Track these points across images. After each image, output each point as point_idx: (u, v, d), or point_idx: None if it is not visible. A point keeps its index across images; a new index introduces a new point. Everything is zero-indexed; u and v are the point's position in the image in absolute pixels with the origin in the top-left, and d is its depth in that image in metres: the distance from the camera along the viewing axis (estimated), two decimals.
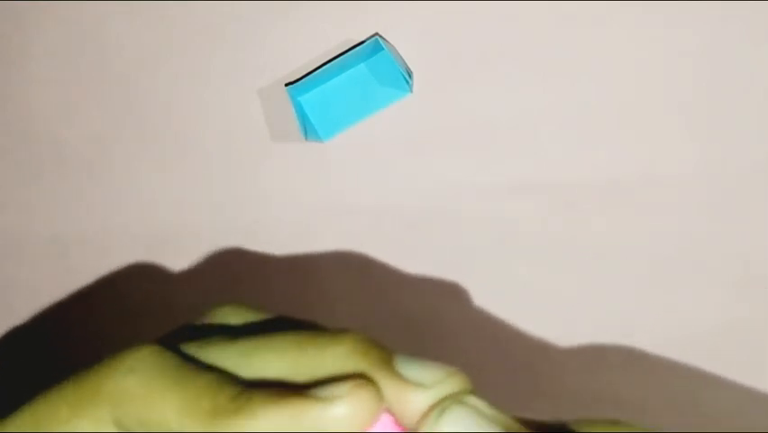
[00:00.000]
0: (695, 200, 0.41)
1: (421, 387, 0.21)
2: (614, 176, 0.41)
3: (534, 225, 0.41)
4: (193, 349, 0.22)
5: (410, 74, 0.40)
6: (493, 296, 0.42)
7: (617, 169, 0.41)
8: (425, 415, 0.21)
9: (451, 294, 0.42)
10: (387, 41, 0.40)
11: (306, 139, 0.40)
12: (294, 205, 0.42)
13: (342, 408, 0.21)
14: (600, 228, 0.41)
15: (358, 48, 0.40)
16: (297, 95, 0.39)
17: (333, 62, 0.40)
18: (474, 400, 0.21)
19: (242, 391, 0.21)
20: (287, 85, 0.40)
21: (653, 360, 0.42)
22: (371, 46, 0.39)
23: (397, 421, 0.22)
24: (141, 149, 0.42)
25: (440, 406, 0.21)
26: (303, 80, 0.40)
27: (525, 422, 0.21)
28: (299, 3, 0.40)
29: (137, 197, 0.42)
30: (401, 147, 0.41)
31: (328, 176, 0.41)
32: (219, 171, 0.42)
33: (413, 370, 0.22)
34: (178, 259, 0.43)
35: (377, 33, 0.40)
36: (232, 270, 0.43)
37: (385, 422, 0.22)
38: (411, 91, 0.40)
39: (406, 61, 0.40)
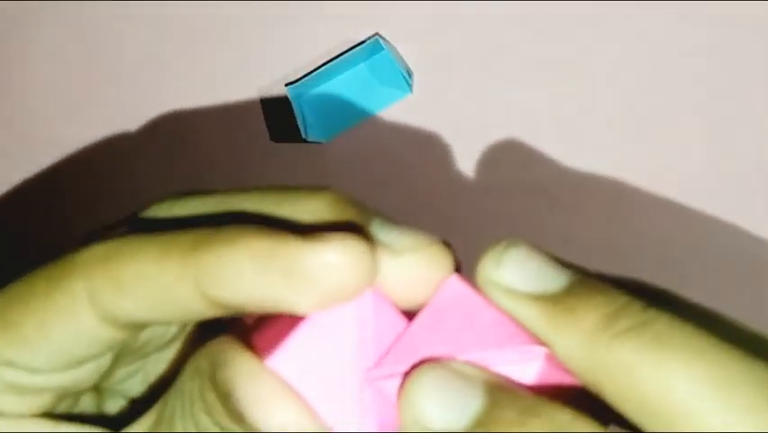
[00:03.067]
0: (698, 200, 0.41)
1: (393, 252, 0.19)
2: (614, 176, 0.41)
3: (534, 225, 0.41)
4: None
5: (410, 74, 0.40)
6: None
7: (617, 168, 0.41)
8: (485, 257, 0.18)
9: None
10: (387, 41, 0.40)
11: (306, 139, 0.40)
12: None
13: (334, 254, 0.17)
14: (601, 228, 0.41)
15: (358, 48, 0.40)
16: (296, 95, 0.39)
17: (333, 62, 0.40)
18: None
19: (220, 227, 0.18)
20: (287, 85, 0.40)
21: None
22: (371, 46, 0.39)
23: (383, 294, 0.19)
24: (141, 149, 0.42)
25: (499, 246, 0.18)
26: (303, 80, 0.40)
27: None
28: (299, 3, 0.40)
29: (137, 197, 0.42)
30: (401, 147, 0.41)
31: (328, 176, 0.41)
32: (219, 171, 0.42)
33: (389, 234, 0.19)
34: None
35: (377, 33, 0.40)
36: None
37: (371, 297, 0.19)
38: (411, 91, 0.40)
39: (407, 61, 0.40)
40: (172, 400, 0.20)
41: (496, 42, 0.40)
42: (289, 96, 0.40)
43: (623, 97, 0.40)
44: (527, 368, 0.18)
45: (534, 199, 0.41)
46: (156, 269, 0.18)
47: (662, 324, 0.16)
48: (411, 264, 0.19)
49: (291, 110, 0.40)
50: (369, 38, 0.40)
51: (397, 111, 0.40)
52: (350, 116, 0.40)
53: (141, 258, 0.19)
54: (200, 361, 0.19)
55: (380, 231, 0.19)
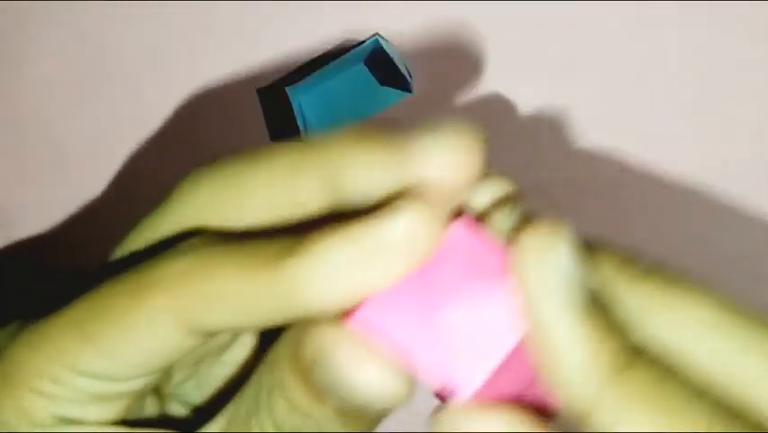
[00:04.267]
0: (699, 200, 0.41)
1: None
2: (614, 176, 0.41)
3: None
4: None
5: (410, 74, 0.40)
6: None
7: (617, 168, 0.41)
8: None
9: None
10: (387, 41, 0.40)
11: None
12: None
13: (405, 220, 0.18)
14: (602, 228, 0.41)
15: (358, 48, 0.40)
16: (296, 95, 0.39)
17: (333, 62, 0.40)
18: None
19: (296, 237, 0.19)
20: (287, 85, 0.40)
21: None
22: (371, 46, 0.39)
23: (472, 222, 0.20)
24: (141, 149, 0.42)
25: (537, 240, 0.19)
26: (303, 80, 0.40)
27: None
28: (299, 3, 0.40)
29: (137, 197, 0.42)
30: None
31: None
32: None
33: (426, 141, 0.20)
34: None
35: (377, 33, 0.40)
36: None
37: (461, 229, 0.20)
38: (411, 91, 0.40)
39: (406, 61, 0.40)
40: (247, 399, 0.20)
41: (496, 42, 0.40)
42: (289, 96, 0.40)
43: (623, 97, 0.40)
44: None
45: (534, 199, 0.41)
46: (244, 282, 0.19)
47: (665, 273, 0.19)
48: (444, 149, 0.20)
49: (291, 110, 0.40)
50: (369, 38, 0.40)
51: (398, 111, 0.40)
52: (350, 116, 0.40)
53: (225, 274, 0.19)
54: (279, 348, 0.20)
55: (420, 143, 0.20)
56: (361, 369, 0.18)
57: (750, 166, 0.40)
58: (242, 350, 0.24)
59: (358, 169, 0.20)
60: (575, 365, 0.18)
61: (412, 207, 0.19)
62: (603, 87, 0.40)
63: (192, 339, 0.20)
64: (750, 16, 0.40)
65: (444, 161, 0.20)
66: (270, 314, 0.19)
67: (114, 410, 0.21)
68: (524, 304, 0.19)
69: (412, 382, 0.19)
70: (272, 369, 0.20)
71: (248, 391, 0.20)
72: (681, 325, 0.18)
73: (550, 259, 0.19)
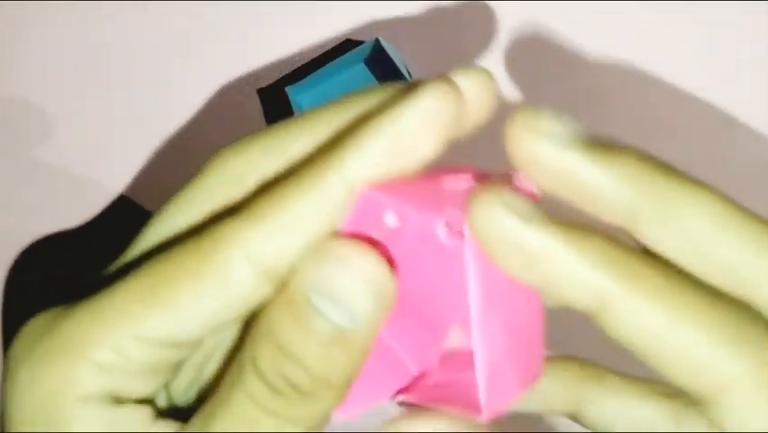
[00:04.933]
0: None
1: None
2: None
3: None
4: None
5: (410, 74, 0.40)
6: None
7: None
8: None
9: None
10: (387, 41, 0.40)
11: None
12: None
13: (428, 98, 0.20)
14: (602, 228, 0.41)
15: (358, 48, 0.40)
16: (296, 95, 0.39)
17: (333, 62, 0.40)
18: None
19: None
20: (287, 85, 0.40)
21: None
22: (371, 46, 0.39)
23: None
24: (141, 149, 0.42)
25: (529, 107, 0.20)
26: (303, 80, 0.40)
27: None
28: (299, 3, 0.40)
29: (137, 197, 0.42)
30: None
31: None
32: None
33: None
34: None
35: (377, 34, 0.40)
36: None
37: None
38: None
39: (406, 61, 0.40)
40: (231, 373, 0.20)
41: (496, 42, 0.40)
42: (289, 96, 0.40)
43: (622, 97, 0.40)
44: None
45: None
46: (305, 188, 0.19)
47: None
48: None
49: (291, 110, 0.40)
50: (369, 38, 0.40)
51: None
52: None
53: (290, 192, 0.19)
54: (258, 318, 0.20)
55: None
56: (349, 276, 0.19)
57: (751, 166, 0.40)
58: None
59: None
60: (609, 180, 0.19)
61: (434, 84, 0.20)
62: (603, 87, 0.40)
63: (264, 283, 0.20)
64: (750, 16, 0.40)
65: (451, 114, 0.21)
66: (336, 210, 0.19)
67: (155, 385, 0.21)
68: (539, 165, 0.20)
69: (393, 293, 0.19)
70: (256, 327, 0.20)
71: (231, 369, 0.21)
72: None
73: (547, 125, 0.20)
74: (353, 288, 0.19)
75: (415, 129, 0.20)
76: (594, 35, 0.40)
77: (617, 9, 0.40)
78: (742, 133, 0.40)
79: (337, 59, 0.40)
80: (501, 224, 0.19)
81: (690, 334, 0.18)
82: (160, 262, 0.21)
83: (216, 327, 0.21)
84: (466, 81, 0.21)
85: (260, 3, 0.41)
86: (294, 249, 0.20)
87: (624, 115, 0.41)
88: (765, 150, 0.40)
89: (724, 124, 0.40)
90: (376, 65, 0.39)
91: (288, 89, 0.40)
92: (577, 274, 0.19)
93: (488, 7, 0.40)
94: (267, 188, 0.20)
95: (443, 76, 0.20)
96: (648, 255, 0.19)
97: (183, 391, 0.24)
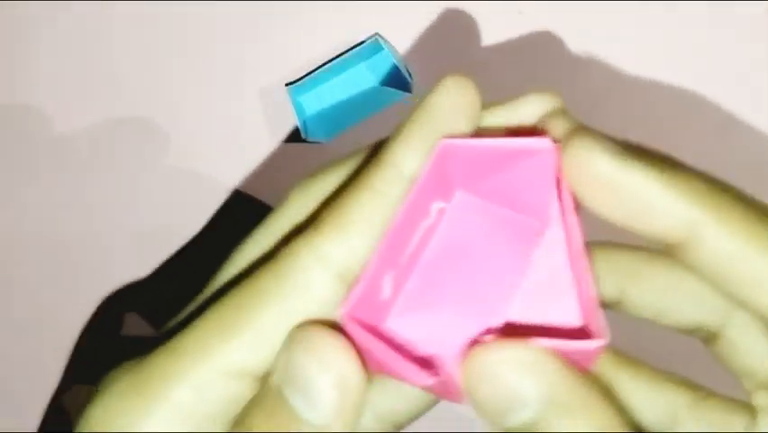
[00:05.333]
0: None
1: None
2: None
3: None
4: None
5: (410, 74, 0.40)
6: None
7: None
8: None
9: None
10: (387, 41, 0.40)
11: (306, 139, 0.40)
12: None
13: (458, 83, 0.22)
14: (603, 228, 0.41)
15: (358, 48, 0.40)
16: (296, 95, 0.39)
17: (333, 62, 0.40)
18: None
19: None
20: (287, 85, 0.40)
21: None
22: (371, 46, 0.39)
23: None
24: (141, 149, 0.42)
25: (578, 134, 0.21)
26: (303, 80, 0.40)
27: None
28: (299, 3, 0.40)
29: (137, 197, 0.42)
30: None
31: None
32: (219, 171, 0.42)
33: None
34: None
35: (377, 33, 0.40)
36: None
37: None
38: (411, 91, 0.40)
39: (407, 61, 0.40)
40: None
41: (496, 42, 0.40)
42: (289, 96, 0.40)
43: (623, 97, 0.40)
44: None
45: None
46: (370, 186, 0.20)
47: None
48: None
49: (291, 110, 0.40)
50: (369, 38, 0.40)
51: (398, 111, 0.40)
52: (350, 116, 0.40)
53: (355, 193, 0.21)
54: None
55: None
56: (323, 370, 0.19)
57: (750, 166, 0.40)
58: None
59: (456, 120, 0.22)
60: (661, 195, 0.20)
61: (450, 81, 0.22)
62: (603, 86, 0.40)
63: (341, 286, 0.20)
64: (751, 16, 0.40)
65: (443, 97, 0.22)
66: (396, 202, 0.20)
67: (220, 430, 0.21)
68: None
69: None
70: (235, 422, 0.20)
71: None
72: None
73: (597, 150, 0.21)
74: (320, 380, 0.19)
75: (449, 113, 0.21)
76: (592, 34, 0.40)
77: (617, 9, 0.40)
78: (742, 134, 0.40)
79: (337, 59, 0.40)
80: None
81: None
82: (237, 292, 0.21)
83: None
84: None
85: (261, 3, 0.41)
86: (363, 248, 0.20)
87: (623, 116, 0.41)
88: (765, 150, 0.40)
89: (724, 124, 0.40)
90: (376, 65, 0.39)
91: (288, 89, 0.40)
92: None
93: (488, 7, 0.40)
94: (327, 203, 0.21)
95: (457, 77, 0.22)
96: (731, 190, 0.20)
97: None
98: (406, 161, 0.20)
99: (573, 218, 0.21)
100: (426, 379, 0.19)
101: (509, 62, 0.40)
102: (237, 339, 0.20)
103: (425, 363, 0.20)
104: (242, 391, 0.20)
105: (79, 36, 0.41)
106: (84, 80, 0.42)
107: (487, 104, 0.23)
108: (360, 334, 0.19)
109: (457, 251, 0.21)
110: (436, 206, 0.22)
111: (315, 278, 0.20)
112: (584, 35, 0.40)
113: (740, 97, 0.40)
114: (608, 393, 0.19)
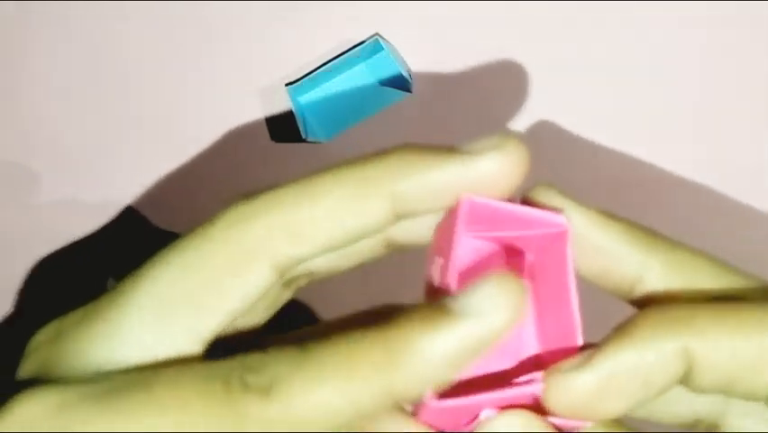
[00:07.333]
0: (699, 199, 0.41)
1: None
2: (614, 176, 0.41)
3: None
4: None
5: (410, 74, 0.40)
6: None
7: (617, 169, 0.41)
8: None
9: None
10: (387, 41, 0.40)
11: (306, 139, 0.40)
12: None
13: (491, 161, 0.21)
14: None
15: (358, 48, 0.40)
16: (296, 95, 0.39)
17: (333, 62, 0.40)
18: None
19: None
20: (287, 85, 0.40)
21: None
22: (371, 46, 0.39)
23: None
24: (141, 149, 0.42)
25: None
26: (303, 80, 0.40)
27: None
28: (299, 3, 0.40)
29: (137, 197, 0.42)
30: None
31: None
32: (219, 171, 0.42)
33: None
34: None
35: (377, 33, 0.40)
36: None
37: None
38: (411, 91, 0.40)
39: (407, 61, 0.40)
40: None
41: (496, 42, 0.40)
42: (289, 96, 0.40)
43: (623, 97, 0.40)
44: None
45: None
46: (342, 197, 0.21)
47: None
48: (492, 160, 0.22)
49: (291, 110, 0.40)
50: (369, 38, 0.40)
51: (397, 111, 0.40)
52: (350, 116, 0.40)
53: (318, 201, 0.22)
54: None
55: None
56: None
57: (750, 166, 0.40)
58: None
59: (419, 176, 0.21)
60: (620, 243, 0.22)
61: (506, 143, 0.22)
62: (603, 86, 0.40)
63: (277, 276, 0.21)
64: (751, 16, 0.40)
65: (499, 161, 0.21)
66: (373, 219, 0.22)
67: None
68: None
69: None
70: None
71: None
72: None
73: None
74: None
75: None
76: (589, 37, 0.40)
77: (616, 10, 0.40)
78: (742, 134, 0.40)
79: (337, 59, 0.40)
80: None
81: None
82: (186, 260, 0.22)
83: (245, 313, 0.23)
84: (495, 157, 0.22)
85: (261, 3, 0.41)
86: (326, 243, 0.22)
87: (622, 118, 0.41)
88: (765, 150, 0.40)
89: (724, 124, 0.40)
90: (376, 65, 0.39)
91: (288, 89, 0.40)
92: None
93: (488, 7, 0.40)
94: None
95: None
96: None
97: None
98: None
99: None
100: None
101: (509, 61, 0.40)
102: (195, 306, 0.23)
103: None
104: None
105: (78, 36, 0.41)
106: (83, 80, 0.42)
107: (443, 149, 0.22)
108: None
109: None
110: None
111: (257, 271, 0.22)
112: (581, 29, 0.40)
113: (740, 97, 0.40)
114: None
